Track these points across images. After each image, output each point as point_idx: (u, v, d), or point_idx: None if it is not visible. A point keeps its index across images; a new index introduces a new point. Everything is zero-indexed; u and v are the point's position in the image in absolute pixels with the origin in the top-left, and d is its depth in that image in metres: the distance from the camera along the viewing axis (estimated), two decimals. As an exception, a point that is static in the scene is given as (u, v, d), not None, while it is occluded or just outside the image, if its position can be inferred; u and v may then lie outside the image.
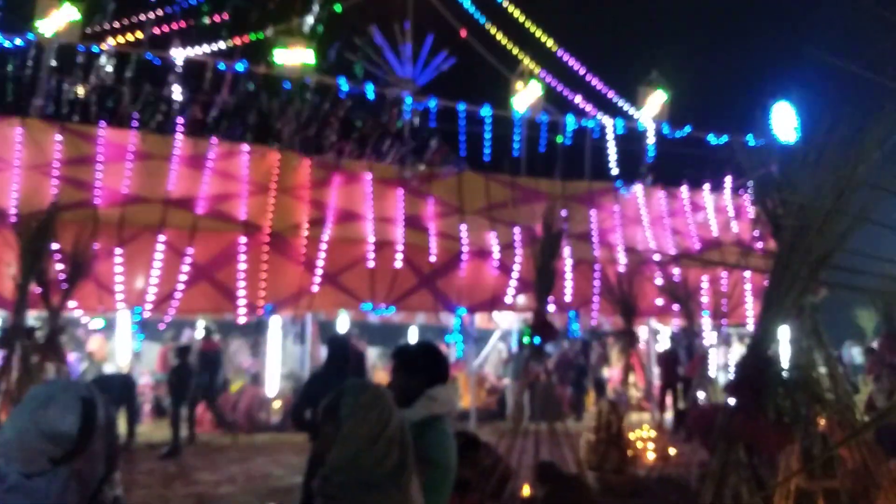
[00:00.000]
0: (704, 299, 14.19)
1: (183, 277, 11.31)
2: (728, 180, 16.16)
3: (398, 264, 12.62)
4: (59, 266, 8.78)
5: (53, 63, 12.14)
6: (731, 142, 16.21)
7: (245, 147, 12.62)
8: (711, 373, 10.81)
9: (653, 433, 10.45)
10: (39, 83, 12.08)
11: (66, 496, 1.43)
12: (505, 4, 17.54)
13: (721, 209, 16.05)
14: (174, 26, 14.14)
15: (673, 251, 14.88)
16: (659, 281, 13.45)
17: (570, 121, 15.74)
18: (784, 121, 15.64)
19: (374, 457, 1.94)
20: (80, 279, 8.73)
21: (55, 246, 8.65)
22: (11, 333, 7.87)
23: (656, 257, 13.94)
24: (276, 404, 12.46)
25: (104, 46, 12.53)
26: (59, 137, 11.40)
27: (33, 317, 8.99)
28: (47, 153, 11.27)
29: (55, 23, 12.29)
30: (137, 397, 11.04)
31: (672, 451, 9.76)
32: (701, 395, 10.30)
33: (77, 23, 12.47)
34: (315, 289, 12.08)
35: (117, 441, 1.60)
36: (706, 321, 13.56)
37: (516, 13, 17.53)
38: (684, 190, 15.94)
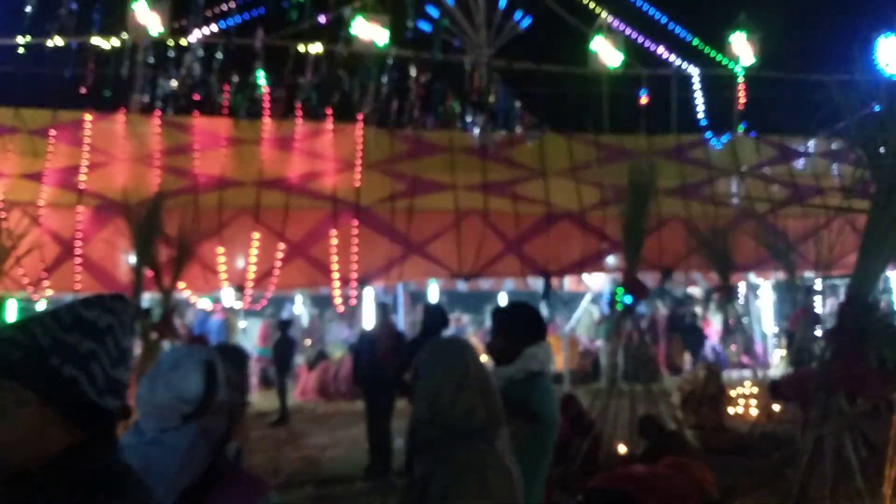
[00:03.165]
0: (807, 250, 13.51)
1: (279, 255, 11.81)
2: (827, 122, 15.21)
3: (483, 231, 12.69)
4: (167, 250, 9.37)
5: (147, 60, 12.81)
6: (828, 82, 15.23)
7: (329, 125, 12.97)
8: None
9: (755, 390, 10.17)
10: (136, 80, 12.79)
11: (196, 448, 1.62)
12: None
13: (821, 154, 15.15)
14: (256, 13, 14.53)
15: (769, 201, 14.20)
16: (756, 233, 12.91)
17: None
18: (890, 55, 14.52)
19: (461, 409, 1.95)
20: (186, 262, 9.30)
21: (162, 232, 9.24)
22: (131, 314, 8.51)
23: (752, 208, 13.34)
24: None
25: (191, 39, 13.10)
26: (157, 129, 12.10)
27: (147, 298, 9.68)
28: (148, 145, 11.99)
29: (145, 22, 12.95)
30: (248, 368, 11.67)
31: (776, 407, 9.47)
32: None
33: (164, 15, 13.09)
34: (404, 259, 12.34)
35: (237, 398, 1.78)
36: (809, 273, 12.92)
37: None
38: (779, 136, 15.15)
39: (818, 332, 10.17)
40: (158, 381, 1.65)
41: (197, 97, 12.83)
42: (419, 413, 2.02)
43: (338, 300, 12.22)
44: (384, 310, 8.91)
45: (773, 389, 8.36)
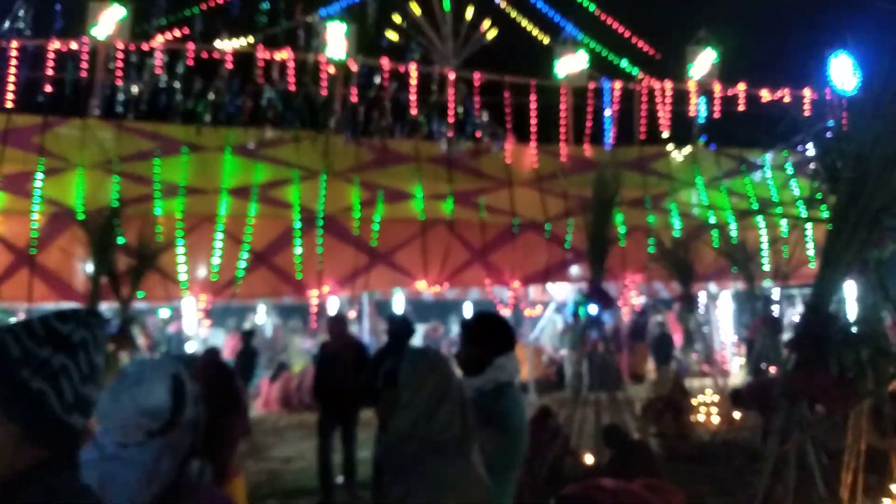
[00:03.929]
0: (765, 261, 13.81)
1: (242, 264, 11.63)
2: (785, 136, 15.61)
3: (449, 241, 12.69)
4: (126, 258, 9.14)
5: (109, 64, 12.53)
6: (787, 97, 15.66)
7: (294, 134, 12.84)
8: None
9: (716, 398, 10.34)
10: (95, 85, 12.49)
11: (160, 465, 1.56)
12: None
13: (779, 167, 15.54)
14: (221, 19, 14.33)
15: (730, 212, 14.51)
16: (716, 244, 13.15)
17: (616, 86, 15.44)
18: (843, 72, 14.97)
19: (440, 423, 1.94)
20: (146, 270, 9.08)
21: (121, 240, 9.02)
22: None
23: (713, 219, 13.62)
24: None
25: (154, 44, 12.86)
26: (117, 135, 11.83)
27: (104, 308, 9.42)
28: (107, 151, 11.71)
29: (106, 25, 12.68)
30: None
31: (737, 415, 9.63)
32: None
33: (125, 19, 12.82)
34: (369, 269, 12.26)
35: (203, 414, 1.72)
36: (768, 283, 13.20)
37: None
38: (738, 149, 15.51)
39: (781, 339, 10.40)
40: (122, 395, 1.57)
41: (158, 100, 12.58)
42: (399, 426, 1.97)
43: (310, 311, 12.07)
44: (337, 322, 7.78)
45: (734, 398, 8.53)
